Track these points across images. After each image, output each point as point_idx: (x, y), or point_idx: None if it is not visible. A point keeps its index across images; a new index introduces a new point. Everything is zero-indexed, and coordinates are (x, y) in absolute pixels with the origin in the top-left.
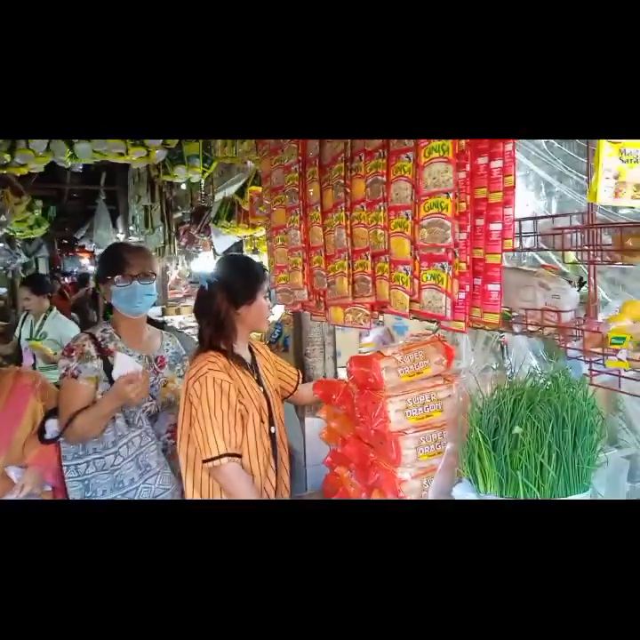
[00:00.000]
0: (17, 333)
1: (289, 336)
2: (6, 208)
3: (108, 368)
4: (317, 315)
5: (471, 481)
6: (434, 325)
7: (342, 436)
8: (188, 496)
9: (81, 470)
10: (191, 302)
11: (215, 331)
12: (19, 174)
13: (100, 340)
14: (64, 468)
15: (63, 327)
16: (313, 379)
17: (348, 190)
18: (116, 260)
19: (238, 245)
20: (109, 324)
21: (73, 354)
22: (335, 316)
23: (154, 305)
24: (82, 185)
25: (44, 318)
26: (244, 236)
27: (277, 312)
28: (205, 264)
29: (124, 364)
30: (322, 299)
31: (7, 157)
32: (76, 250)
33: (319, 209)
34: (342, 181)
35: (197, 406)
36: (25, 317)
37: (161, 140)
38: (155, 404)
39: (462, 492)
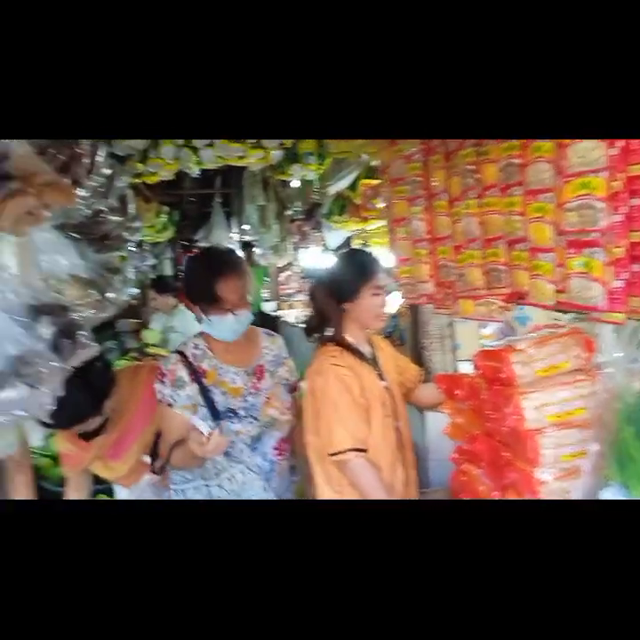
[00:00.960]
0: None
1: (405, 329)
2: (139, 215)
3: (204, 391)
4: (442, 308)
5: (622, 484)
6: (566, 316)
7: (469, 432)
8: (320, 491)
9: (188, 495)
10: (303, 297)
11: (319, 326)
12: (150, 182)
13: (191, 359)
14: (172, 493)
15: (188, 321)
16: (431, 372)
17: (478, 176)
18: (206, 292)
19: (348, 240)
20: (202, 336)
21: (165, 379)
22: (465, 309)
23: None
24: (199, 189)
25: (172, 314)
26: (355, 231)
27: (393, 305)
28: (316, 260)
29: (199, 424)
30: (449, 291)
31: (140, 167)
32: (195, 251)
33: (446, 197)
34: (471, 167)
35: (320, 400)
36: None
37: (279, 141)
38: (257, 425)
39: (612, 497)
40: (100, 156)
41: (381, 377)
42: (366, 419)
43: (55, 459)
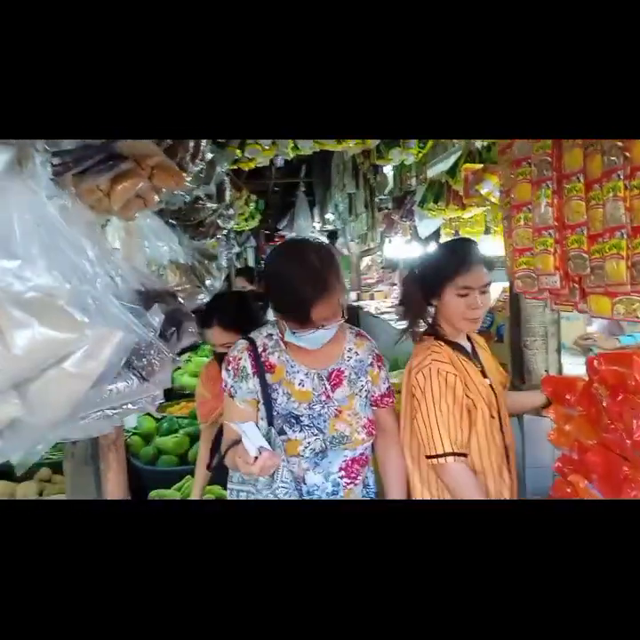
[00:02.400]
0: None
1: (503, 325)
2: (233, 202)
3: (265, 388)
4: (565, 304)
5: None
6: None
7: (579, 441)
8: (416, 493)
9: (241, 498)
10: (383, 288)
11: (412, 322)
12: (243, 168)
13: (261, 349)
14: (228, 492)
15: None
16: (532, 373)
17: (628, 154)
18: (296, 305)
19: (437, 229)
20: (278, 325)
21: (230, 367)
22: (598, 307)
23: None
24: (284, 179)
25: None
26: (449, 219)
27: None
28: (399, 250)
29: (249, 439)
30: (576, 285)
31: (238, 153)
32: (277, 239)
33: (581, 179)
34: (619, 144)
35: (420, 399)
36: None
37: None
38: (322, 439)
39: None
40: (204, 141)
41: (484, 374)
42: (468, 420)
43: (145, 437)
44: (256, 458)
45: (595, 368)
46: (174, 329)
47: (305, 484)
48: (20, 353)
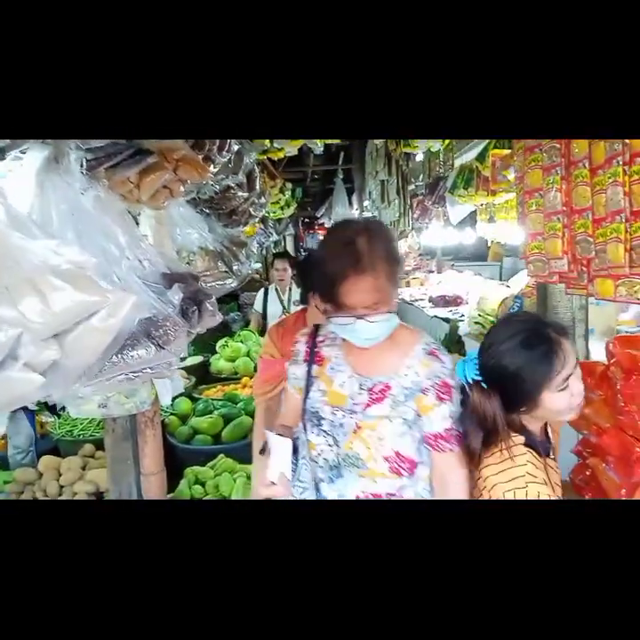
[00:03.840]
0: (259, 306)
1: (530, 310)
2: (265, 191)
3: (308, 379)
4: (577, 288)
5: None
6: None
7: (597, 424)
8: None
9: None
10: (420, 275)
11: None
12: (276, 159)
13: (321, 339)
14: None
15: None
16: None
17: (627, 141)
18: (325, 280)
19: (472, 214)
20: None
21: (292, 348)
22: (603, 290)
23: None
24: (322, 166)
25: (290, 289)
26: (480, 204)
27: (517, 284)
28: (436, 236)
29: (278, 456)
30: (585, 269)
31: (267, 143)
32: (316, 227)
33: (586, 166)
34: None
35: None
36: (266, 290)
37: None
38: (335, 452)
39: None
40: None
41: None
42: None
43: (182, 418)
44: (272, 482)
45: (611, 351)
46: (196, 308)
47: (319, 491)
48: (58, 310)
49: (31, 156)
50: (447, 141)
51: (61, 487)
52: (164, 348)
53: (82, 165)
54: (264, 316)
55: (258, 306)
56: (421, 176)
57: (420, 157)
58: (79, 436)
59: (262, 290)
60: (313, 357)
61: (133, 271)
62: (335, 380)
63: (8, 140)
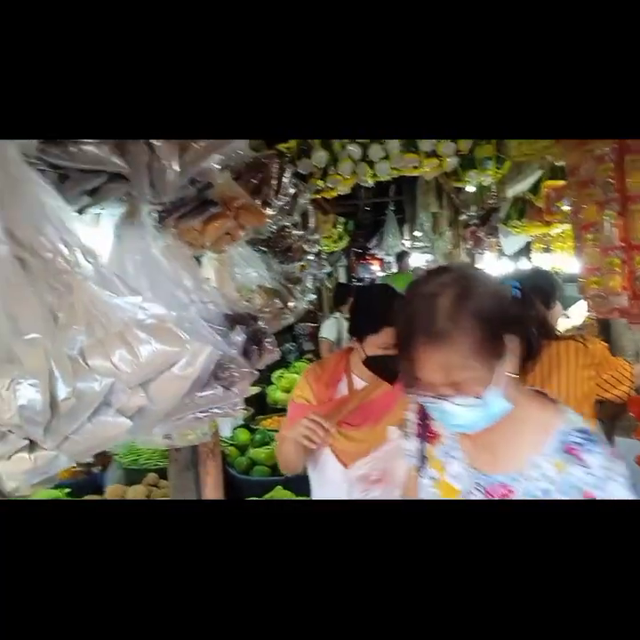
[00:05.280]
0: (331, 333)
1: None
2: (319, 227)
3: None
4: (638, 323)
5: None
6: None
7: None
8: None
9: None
10: None
11: None
12: (329, 197)
13: (430, 417)
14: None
15: None
16: None
17: None
18: (399, 351)
19: (527, 245)
20: None
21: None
22: None
23: None
24: (374, 199)
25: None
26: (535, 235)
27: (578, 317)
28: (490, 266)
29: None
30: None
31: (320, 184)
32: (368, 258)
33: None
34: None
35: None
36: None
37: (454, 148)
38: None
39: None
40: (286, 177)
41: None
42: None
43: (240, 448)
44: None
45: None
46: (256, 347)
47: None
48: (144, 361)
49: (108, 213)
50: (499, 175)
51: None
52: (229, 390)
53: (154, 218)
54: (338, 343)
55: (330, 333)
56: (473, 207)
57: (470, 188)
58: (144, 465)
59: (334, 316)
60: (425, 431)
61: (200, 314)
62: (449, 468)
63: (89, 199)
